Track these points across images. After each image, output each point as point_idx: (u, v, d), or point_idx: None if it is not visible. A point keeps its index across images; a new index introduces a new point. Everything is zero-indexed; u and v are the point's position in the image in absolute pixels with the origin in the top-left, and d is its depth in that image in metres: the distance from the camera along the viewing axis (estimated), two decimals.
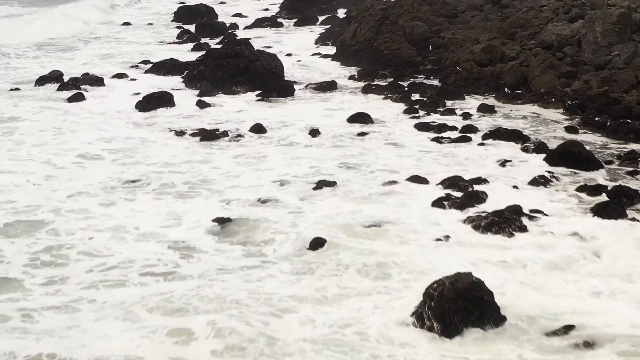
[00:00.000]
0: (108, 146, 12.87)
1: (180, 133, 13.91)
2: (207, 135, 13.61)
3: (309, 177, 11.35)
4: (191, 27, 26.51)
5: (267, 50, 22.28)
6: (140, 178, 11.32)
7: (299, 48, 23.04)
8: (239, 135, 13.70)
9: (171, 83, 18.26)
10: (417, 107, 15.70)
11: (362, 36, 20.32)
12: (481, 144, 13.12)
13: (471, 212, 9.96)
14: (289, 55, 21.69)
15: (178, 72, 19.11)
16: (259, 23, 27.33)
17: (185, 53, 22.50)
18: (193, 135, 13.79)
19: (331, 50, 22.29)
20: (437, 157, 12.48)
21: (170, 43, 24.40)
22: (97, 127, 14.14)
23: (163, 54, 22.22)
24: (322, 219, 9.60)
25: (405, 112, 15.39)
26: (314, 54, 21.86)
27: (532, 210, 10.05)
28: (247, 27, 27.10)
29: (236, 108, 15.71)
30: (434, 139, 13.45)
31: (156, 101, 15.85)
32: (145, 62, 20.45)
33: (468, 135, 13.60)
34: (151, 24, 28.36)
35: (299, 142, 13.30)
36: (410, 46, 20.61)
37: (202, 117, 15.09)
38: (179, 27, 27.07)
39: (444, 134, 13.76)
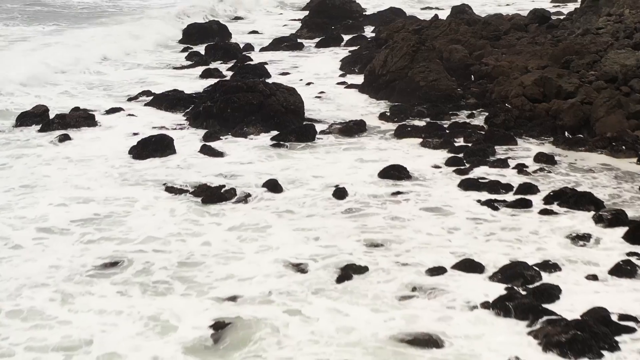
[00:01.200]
0: (81, 212, 10.99)
1: (177, 191, 12.11)
2: (211, 195, 11.79)
3: (328, 259, 9.48)
4: (201, 48, 24.79)
5: (285, 76, 20.68)
6: (114, 260, 9.46)
7: (321, 75, 21.25)
8: (249, 195, 11.87)
9: (174, 120, 16.54)
10: (462, 155, 13.80)
11: (394, 65, 18.46)
12: (544, 211, 11.17)
13: (542, 319, 8.05)
14: (309, 84, 19.89)
15: (182, 105, 17.37)
16: (277, 44, 25.57)
17: (193, 80, 20.81)
18: (194, 193, 11.99)
19: (358, 78, 20.45)
20: (492, 229, 10.56)
21: (176, 68, 22.68)
22: (76, 183, 12.32)
23: (167, 81, 20.56)
24: (341, 335, 7.72)
25: (448, 162, 13.48)
26: (338, 83, 20.02)
27: (621, 317, 8.12)
28: (263, 49, 25.36)
29: (247, 156, 13.88)
30: (485, 203, 11.54)
31: (153, 147, 14.09)
32: (145, 92, 18.73)
33: (527, 197, 11.67)
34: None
35: (320, 205, 11.41)
36: (449, 75, 18.71)
37: (207, 168, 13.29)
38: (187, 48, 25.38)
39: (498, 196, 11.84)
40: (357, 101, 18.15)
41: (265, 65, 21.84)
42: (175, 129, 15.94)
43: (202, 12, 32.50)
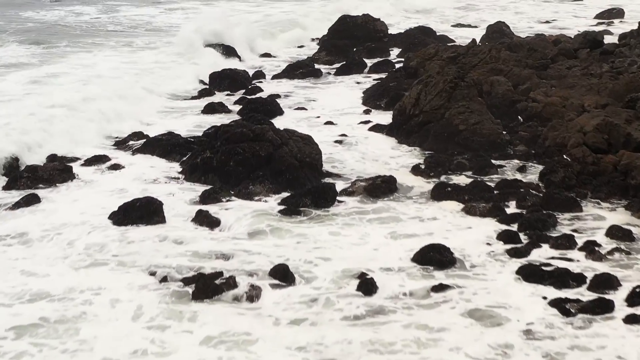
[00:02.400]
0: (23, 317, 8.91)
1: (159, 277, 10.07)
2: (204, 287, 9.72)
3: None
4: (205, 76, 22.82)
5: (300, 111, 18.71)
6: None
7: (341, 111, 19.17)
8: (253, 287, 9.78)
9: (168, 170, 14.57)
10: (516, 227, 11.67)
11: (429, 104, 16.36)
12: (630, 318, 8.99)
13: None
14: (328, 123, 17.82)
15: (178, 152, 15.38)
16: (291, 70, 23.52)
17: (194, 115, 18.84)
18: (184, 282, 9.94)
19: (384, 116, 18.36)
20: (563, 349, 8.38)
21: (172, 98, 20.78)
22: (24, 268, 10.23)
23: (164, 117, 18.62)
24: None
25: (501, 238, 11.34)
26: (362, 123, 17.92)
27: None
28: (275, 76, 23.34)
29: (252, 226, 11.79)
30: (553, 303, 9.38)
31: (137, 213, 12.05)
32: (137, 135, 16.73)
33: (604, 296, 9.51)
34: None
35: (340, 308, 9.29)
36: (493, 116, 16.58)
37: (201, 243, 11.25)
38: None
39: (567, 291, 9.68)
40: (384, 147, 16.03)
41: (278, 99, 19.84)
42: (168, 182, 13.97)
43: None
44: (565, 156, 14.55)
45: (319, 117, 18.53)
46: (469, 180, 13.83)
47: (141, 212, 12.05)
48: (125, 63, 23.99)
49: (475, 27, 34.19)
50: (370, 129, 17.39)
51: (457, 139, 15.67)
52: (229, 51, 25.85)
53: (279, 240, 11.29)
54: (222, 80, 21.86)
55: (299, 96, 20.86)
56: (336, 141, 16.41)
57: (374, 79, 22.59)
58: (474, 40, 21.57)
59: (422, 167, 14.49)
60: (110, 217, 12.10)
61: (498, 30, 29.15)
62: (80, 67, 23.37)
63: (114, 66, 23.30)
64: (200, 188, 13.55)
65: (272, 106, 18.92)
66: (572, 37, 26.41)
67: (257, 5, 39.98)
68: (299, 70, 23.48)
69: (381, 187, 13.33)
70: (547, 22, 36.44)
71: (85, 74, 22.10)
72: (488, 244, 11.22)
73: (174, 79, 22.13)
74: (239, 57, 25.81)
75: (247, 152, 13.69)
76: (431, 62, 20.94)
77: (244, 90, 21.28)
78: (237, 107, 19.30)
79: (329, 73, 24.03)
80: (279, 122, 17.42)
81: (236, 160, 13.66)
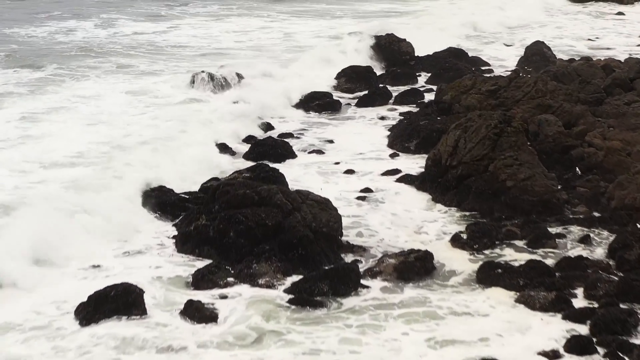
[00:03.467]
0: None
1: None
2: None
3: None
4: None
5: (316, 155, 16.73)
6: None
7: (364, 155, 17.16)
8: None
9: (156, 234, 12.60)
10: (589, 329, 9.55)
11: (469, 153, 14.26)
12: None
13: None
14: (348, 173, 15.78)
15: (170, 212, 13.39)
16: (307, 102, 21.46)
17: None
18: None
19: (415, 162, 16.39)
20: None
21: None
22: None
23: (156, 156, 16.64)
24: None
25: (569, 348, 9.21)
26: (389, 172, 15.82)
27: None
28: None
29: (254, 326, 9.71)
30: None
31: (112, 305, 10.02)
32: None
33: None
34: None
35: None
36: (542, 163, 14.47)
37: (188, 351, 9.18)
38: None
39: None
40: (416, 207, 13.94)
41: (290, 139, 17.88)
42: (155, 253, 12.00)
43: None
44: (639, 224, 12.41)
45: (337, 163, 16.49)
46: (522, 256, 11.76)
47: (116, 302, 10.02)
48: (132, 94, 21.94)
49: (510, 45, 32.07)
50: (399, 180, 15.31)
51: (504, 198, 13.56)
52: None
53: (290, 349, 9.18)
54: None
55: (315, 134, 18.83)
56: (359, 197, 14.36)
57: (400, 113, 20.53)
58: (516, 71, 19.45)
59: (464, 236, 12.37)
60: (76, 314, 10.04)
61: (538, 53, 26.99)
62: (80, 99, 21.26)
63: (122, 102, 21.17)
64: (194, 263, 11.58)
65: (283, 149, 16.97)
66: (622, 60, 24.40)
67: (272, 20, 37.97)
68: (314, 102, 21.41)
69: (414, 267, 11.24)
70: (589, 39, 34.23)
71: (88, 110, 20.16)
72: (555, 355, 9.08)
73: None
74: None
75: (251, 221, 11.65)
76: (468, 96, 18.87)
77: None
78: (245, 147, 17.41)
79: (349, 104, 21.93)
80: (291, 170, 15.60)
81: (237, 231, 11.63)
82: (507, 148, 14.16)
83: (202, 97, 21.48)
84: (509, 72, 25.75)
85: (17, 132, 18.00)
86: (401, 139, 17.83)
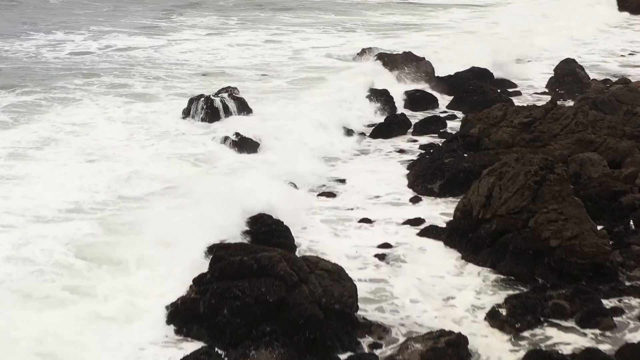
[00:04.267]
0: None
1: None
2: None
3: None
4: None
5: (326, 199, 15.21)
6: None
7: (380, 199, 15.62)
8: None
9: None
10: None
11: (505, 205, 12.67)
12: None
13: None
14: (364, 222, 14.23)
15: None
16: None
17: None
18: None
19: (439, 208, 14.88)
20: None
21: None
22: None
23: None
24: None
25: None
26: (410, 222, 14.24)
27: None
28: None
29: None
30: None
31: None
32: None
33: None
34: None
35: None
36: (587, 212, 12.87)
37: None
38: None
39: None
40: (444, 268, 12.37)
41: None
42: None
43: None
44: None
45: (351, 209, 14.93)
46: (572, 338, 10.17)
47: None
48: (128, 123, 20.29)
49: (538, 60, 30.49)
50: (423, 233, 13.72)
51: (547, 261, 11.96)
52: None
53: None
54: None
55: (323, 172, 17.20)
56: (377, 255, 12.79)
57: (421, 146, 18.99)
58: (553, 101, 17.87)
59: (503, 312, 10.76)
60: None
61: (570, 73, 25.46)
62: (71, 128, 19.64)
63: (118, 132, 19.49)
64: (182, 345, 10.06)
65: None
66: None
67: (277, 33, 36.50)
68: None
69: (446, 355, 9.65)
70: (621, 55, 32.66)
71: (81, 143, 18.47)
72: None
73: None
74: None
75: (249, 296, 10.09)
76: (498, 130, 17.33)
77: None
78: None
79: (363, 134, 20.38)
80: (297, 219, 14.05)
81: (232, 308, 10.07)
82: (550, 199, 12.56)
83: (200, 130, 19.86)
84: (539, 94, 24.44)
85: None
86: (423, 178, 16.25)
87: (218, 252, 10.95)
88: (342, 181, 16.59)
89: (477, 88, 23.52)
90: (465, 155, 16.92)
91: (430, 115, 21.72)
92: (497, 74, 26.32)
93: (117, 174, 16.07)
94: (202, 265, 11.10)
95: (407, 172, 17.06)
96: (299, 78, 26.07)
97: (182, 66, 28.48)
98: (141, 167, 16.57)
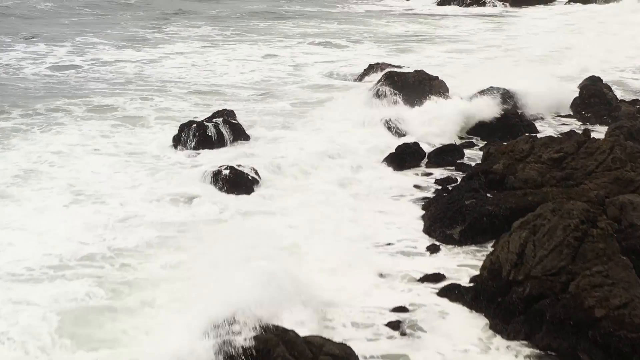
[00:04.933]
0: None
1: None
2: None
3: None
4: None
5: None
6: None
7: (391, 246, 14.20)
8: None
9: None
10: None
11: (539, 264, 11.30)
12: None
13: None
14: (382, 277, 12.85)
15: None
16: None
17: None
18: None
19: (461, 259, 13.50)
20: None
21: None
22: None
23: None
24: None
25: None
26: (428, 279, 12.84)
27: None
28: None
29: None
30: None
31: None
32: None
33: None
34: None
35: None
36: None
37: None
38: None
39: None
40: (468, 339, 10.97)
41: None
42: None
43: None
44: None
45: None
46: None
47: None
48: (116, 156, 18.72)
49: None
50: (443, 293, 12.32)
51: (592, 334, 10.55)
52: None
53: None
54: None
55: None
56: (389, 323, 11.38)
57: (437, 180, 17.59)
58: (586, 134, 16.49)
59: None
60: None
61: (597, 94, 24.07)
62: (52, 158, 18.20)
63: (106, 166, 17.93)
64: None
65: None
66: None
67: (277, 45, 35.19)
68: None
69: None
70: None
71: (65, 177, 16.93)
72: None
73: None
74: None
75: None
76: (525, 166, 15.93)
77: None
78: None
79: (371, 161, 18.96)
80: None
81: None
82: (593, 259, 11.16)
83: (189, 161, 18.51)
84: (563, 118, 22.98)
85: None
86: (441, 223, 14.85)
87: None
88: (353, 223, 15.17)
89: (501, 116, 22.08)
90: (489, 195, 15.53)
91: (446, 143, 20.28)
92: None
93: (106, 218, 14.65)
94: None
95: (422, 213, 15.67)
96: (302, 100, 24.63)
97: (175, 84, 27.15)
98: (130, 210, 15.16)
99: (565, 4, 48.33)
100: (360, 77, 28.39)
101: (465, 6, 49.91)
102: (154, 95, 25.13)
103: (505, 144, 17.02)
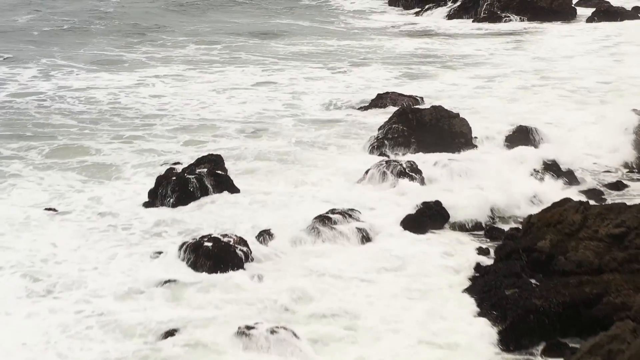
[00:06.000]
0: None
1: None
2: None
3: None
4: None
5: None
6: None
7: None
8: None
9: None
10: None
11: None
12: None
13: None
14: None
15: None
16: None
17: None
18: None
19: None
20: None
21: None
22: None
23: None
24: None
25: None
26: None
27: None
28: None
29: None
30: None
31: None
32: None
33: None
34: None
35: None
36: None
37: None
38: None
39: None
40: None
41: None
42: None
43: None
44: None
45: None
46: None
47: None
48: (82, 224, 16.45)
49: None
50: None
51: None
52: None
53: None
54: None
55: (328, 296, 13.64)
56: None
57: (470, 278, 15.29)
58: None
59: None
60: None
61: None
62: (4, 229, 16.01)
63: (72, 238, 15.71)
64: None
65: None
66: None
67: (271, 69, 33.13)
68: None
69: None
70: None
71: (20, 261, 14.47)
72: None
73: None
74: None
75: None
76: (578, 244, 13.84)
77: None
78: None
79: (383, 226, 16.78)
80: None
81: None
82: None
83: (165, 227, 16.45)
84: (609, 174, 20.55)
85: None
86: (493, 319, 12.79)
87: None
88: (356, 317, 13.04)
89: None
90: (534, 281, 13.47)
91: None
92: None
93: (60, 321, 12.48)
94: None
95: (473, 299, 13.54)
96: (301, 140, 22.45)
97: (156, 118, 24.99)
98: (95, 308, 12.91)
99: (588, 19, 46.38)
100: (368, 108, 26.47)
101: (478, 21, 47.92)
102: (129, 133, 23.06)
103: (549, 211, 14.88)
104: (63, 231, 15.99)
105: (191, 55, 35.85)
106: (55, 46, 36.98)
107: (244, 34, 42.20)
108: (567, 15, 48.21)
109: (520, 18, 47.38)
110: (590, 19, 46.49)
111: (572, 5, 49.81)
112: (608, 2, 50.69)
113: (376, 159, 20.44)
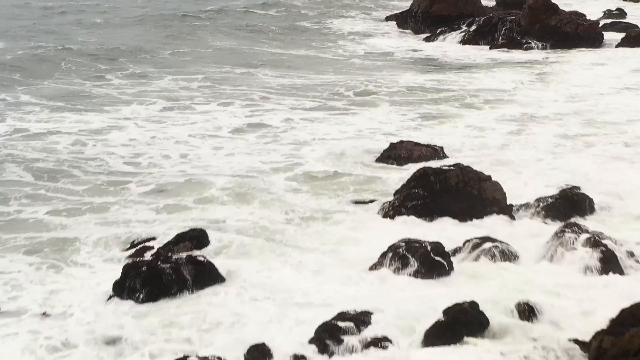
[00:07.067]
0: None
1: None
2: None
3: None
4: None
5: None
6: None
7: None
8: None
9: None
10: None
11: None
12: None
13: None
14: None
15: None
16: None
17: None
18: None
19: None
20: None
21: None
22: None
23: None
24: None
25: None
26: None
27: None
28: None
29: None
30: None
31: None
32: None
33: None
34: None
35: None
36: None
37: None
38: None
39: None
40: None
41: None
42: None
43: None
44: None
45: None
46: None
47: None
48: (40, 327, 14.08)
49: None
50: None
51: None
52: None
53: None
54: None
55: None
56: None
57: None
58: None
59: None
60: None
61: None
62: None
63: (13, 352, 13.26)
64: None
65: None
66: None
67: (265, 109, 30.61)
68: None
69: None
70: None
71: None
72: None
73: None
74: None
75: None
76: None
77: None
78: None
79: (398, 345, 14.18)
80: None
81: None
82: None
83: (133, 334, 13.90)
84: None
85: None
86: None
87: None
88: None
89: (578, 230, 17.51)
90: None
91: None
92: None
93: None
94: None
95: None
96: (301, 207, 19.68)
97: (125, 175, 22.30)
98: None
99: (617, 46, 44.39)
100: (379, 160, 24.04)
101: (495, 47, 45.71)
102: (94, 198, 20.41)
103: (624, 337, 12.30)
104: (20, 343, 13.47)
105: (168, 89, 33.25)
106: (16, 74, 34.61)
107: (227, 61, 39.92)
108: (593, 41, 46.01)
109: (542, 44, 45.22)
110: (620, 45, 44.57)
111: (598, 30, 47.65)
112: (637, 27, 48.89)
113: (389, 234, 17.86)
